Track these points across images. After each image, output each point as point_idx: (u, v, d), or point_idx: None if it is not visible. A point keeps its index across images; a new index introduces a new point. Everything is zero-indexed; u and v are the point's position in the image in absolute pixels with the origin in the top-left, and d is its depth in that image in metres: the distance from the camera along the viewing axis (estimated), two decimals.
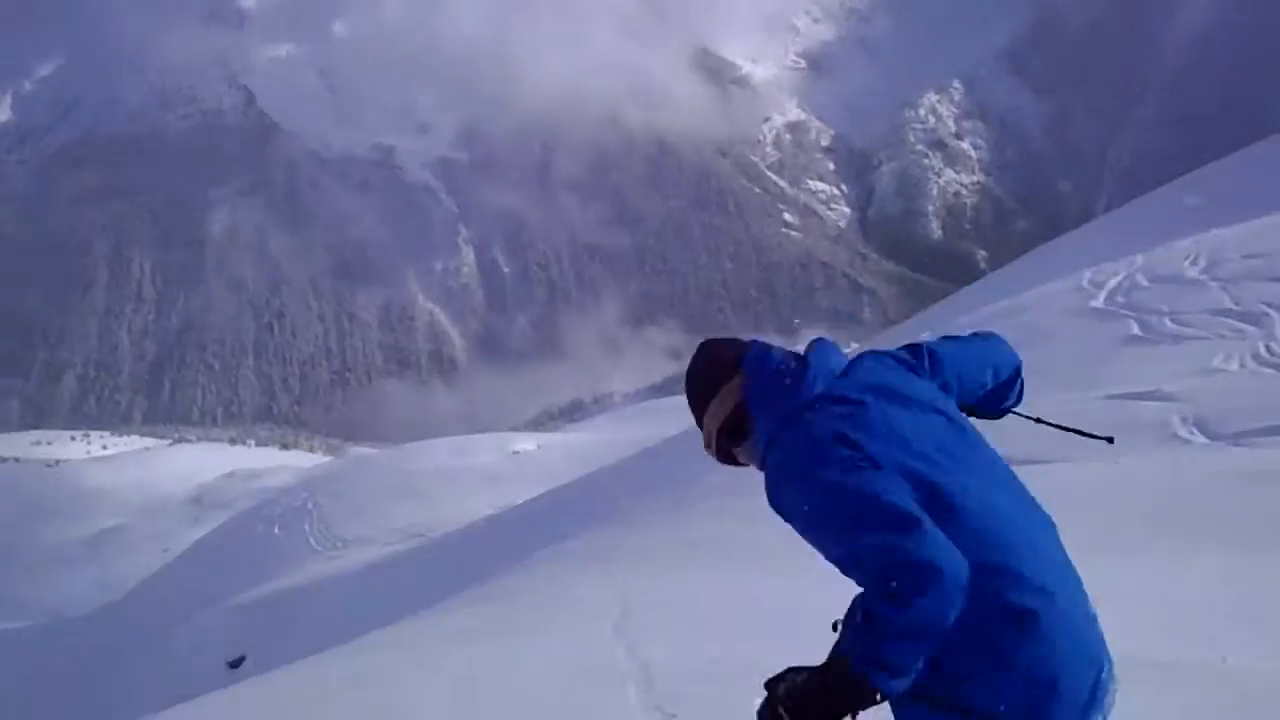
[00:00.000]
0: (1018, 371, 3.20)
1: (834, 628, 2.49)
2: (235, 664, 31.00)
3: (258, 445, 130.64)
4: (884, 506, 2.33)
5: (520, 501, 37.42)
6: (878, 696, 2.35)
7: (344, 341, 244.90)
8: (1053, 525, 2.63)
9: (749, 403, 2.70)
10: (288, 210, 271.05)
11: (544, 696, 7.98)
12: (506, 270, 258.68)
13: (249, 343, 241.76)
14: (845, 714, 2.36)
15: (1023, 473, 9.63)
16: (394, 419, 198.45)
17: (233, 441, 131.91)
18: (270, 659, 23.01)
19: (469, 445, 56.61)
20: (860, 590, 2.36)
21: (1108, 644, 2.78)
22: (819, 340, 2.79)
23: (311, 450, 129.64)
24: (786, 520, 2.67)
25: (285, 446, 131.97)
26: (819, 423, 2.56)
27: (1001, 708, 2.35)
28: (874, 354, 2.79)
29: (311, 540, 44.32)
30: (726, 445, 2.79)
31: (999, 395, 3.15)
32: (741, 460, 2.86)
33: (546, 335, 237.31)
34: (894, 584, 2.23)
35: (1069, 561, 2.56)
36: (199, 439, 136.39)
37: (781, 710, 2.40)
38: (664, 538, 16.97)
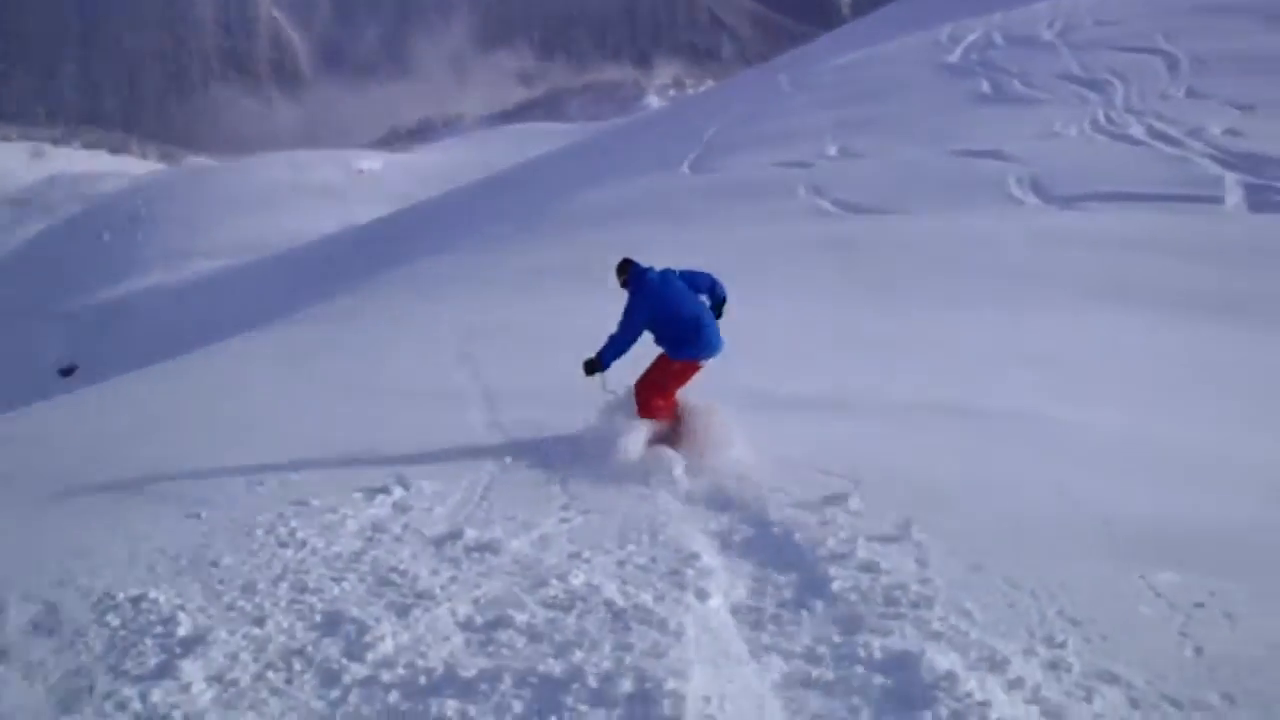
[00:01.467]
0: (723, 300, 7.06)
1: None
2: (66, 372, 30.41)
3: (84, 148, 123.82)
4: (632, 318, 6.68)
5: (364, 221, 36.73)
6: (602, 368, 6.75)
7: (178, 42, 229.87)
8: (703, 304, 6.85)
9: (630, 278, 6.84)
10: None
11: (389, 414, 8.10)
12: None
13: (73, 37, 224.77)
14: (595, 371, 6.74)
15: (869, 221, 9.95)
16: (231, 129, 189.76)
17: (56, 143, 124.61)
18: (101, 369, 22.64)
19: (311, 160, 54.81)
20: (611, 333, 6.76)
21: (916, 389, 7.88)
22: (649, 267, 6.90)
23: (144, 157, 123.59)
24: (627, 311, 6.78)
25: (115, 151, 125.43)
26: (643, 288, 6.72)
27: (692, 342, 6.64)
28: (667, 269, 6.89)
29: (145, 250, 42.91)
30: (621, 285, 6.90)
31: (714, 306, 7.00)
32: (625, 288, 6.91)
33: (395, 51, 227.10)
34: (613, 340, 6.68)
35: (710, 311, 6.85)
36: (18, 137, 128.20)
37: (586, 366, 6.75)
38: (510, 263, 17.00)
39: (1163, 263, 12.17)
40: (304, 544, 5.14)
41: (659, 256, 7.60)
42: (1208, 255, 12.32)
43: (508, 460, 6.51)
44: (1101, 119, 19.23)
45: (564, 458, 6.52)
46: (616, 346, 6.67)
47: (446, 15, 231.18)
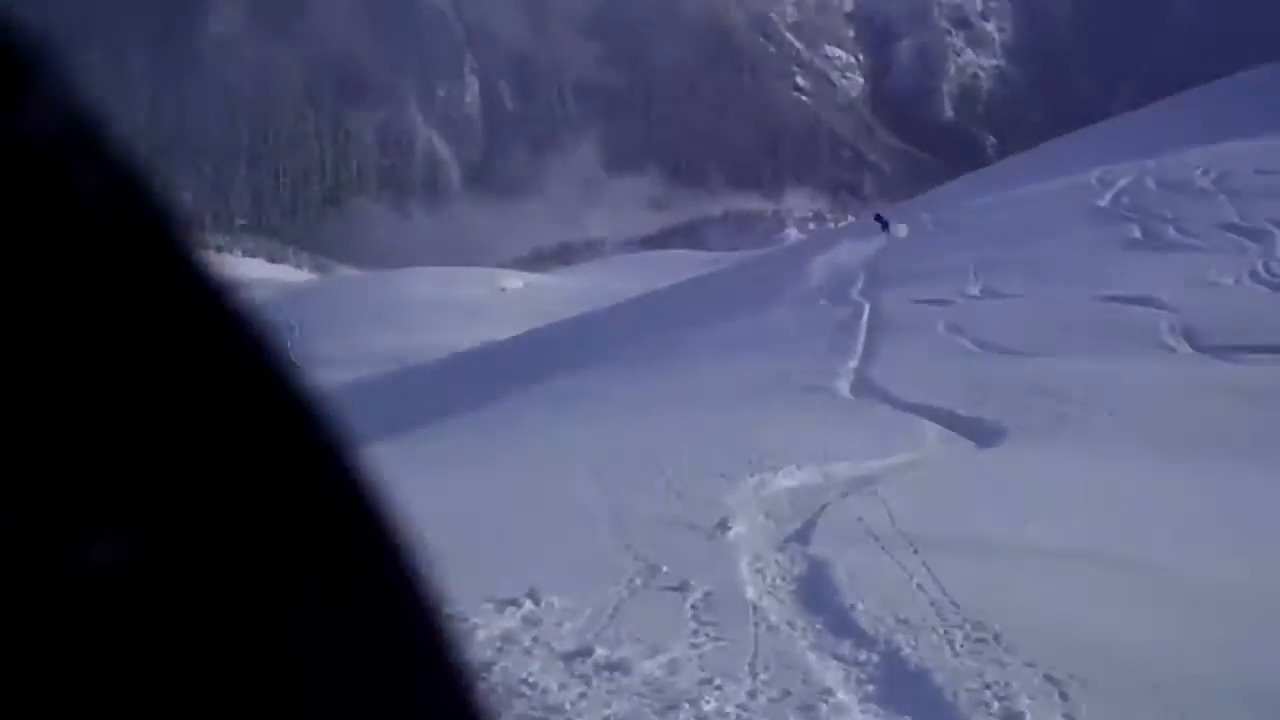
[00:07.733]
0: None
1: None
2: None
3: (245, 256, 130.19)
4: (881, 230, 27.24)
5: (504, 339, 37.50)
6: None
7: (340, 158, 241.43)
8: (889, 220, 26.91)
9: (879, 219, 28.63)
10: (285, 19, 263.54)
11: (516, 531, 8.10)
12: (510, 105, 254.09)
13: (241, 151, 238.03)
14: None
15: (1021, 363, 9.71)
16: (379, 243, 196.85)
17: (219, 250, 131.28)
18: None
19: (456, 277, 56.47)
20: None
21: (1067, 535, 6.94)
22: (886, 219, 27.66)
23: (299, 266, 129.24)
24: None
25: (273, 260, 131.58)
26: (880, 221, 29.08)
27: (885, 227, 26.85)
28: (883, 217, 27.25)
29: (290, 357, 44.40)
30: (876, 219, 27.97)
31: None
32: None
33: (532, 171, 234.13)
34: (881, 232, 26.39)
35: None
36: None
37: None
38: (650, 385, 17.09)
39: None
40: None
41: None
42: None
43: (637, 582, 6.41)
44: (1260, 269, 18.65)
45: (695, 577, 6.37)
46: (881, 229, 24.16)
47: (579, 137, 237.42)
